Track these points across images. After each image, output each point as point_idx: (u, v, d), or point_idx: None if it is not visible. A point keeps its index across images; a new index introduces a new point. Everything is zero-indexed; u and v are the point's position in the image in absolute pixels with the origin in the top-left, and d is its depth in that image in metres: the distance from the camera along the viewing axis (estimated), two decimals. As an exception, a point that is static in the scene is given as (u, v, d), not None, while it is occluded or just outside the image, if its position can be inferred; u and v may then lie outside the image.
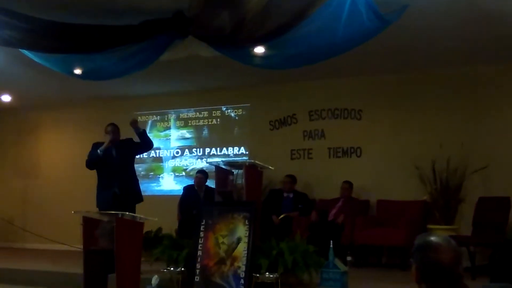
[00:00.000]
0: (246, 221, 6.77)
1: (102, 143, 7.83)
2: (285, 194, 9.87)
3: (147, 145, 8.19)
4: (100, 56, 7.13)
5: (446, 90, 9.44)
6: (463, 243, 7.38)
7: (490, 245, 7.70)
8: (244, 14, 5.84)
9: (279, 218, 9.35)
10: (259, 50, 6.79)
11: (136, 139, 8.12)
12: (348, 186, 9.56)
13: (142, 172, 11.67)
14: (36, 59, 7.52)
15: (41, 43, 6.83)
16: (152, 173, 11.97)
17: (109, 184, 7.79)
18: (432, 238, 2.58)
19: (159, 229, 8.80)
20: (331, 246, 6.50)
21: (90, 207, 7.62)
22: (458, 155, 8.95)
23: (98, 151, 7.81)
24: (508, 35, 7.63)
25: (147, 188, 11.59)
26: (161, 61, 7.33)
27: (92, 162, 7.90)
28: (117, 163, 7.86)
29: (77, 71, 7.82)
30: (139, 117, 12.02)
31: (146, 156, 11.71)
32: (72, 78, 8.27)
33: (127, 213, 6.26)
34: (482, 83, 9.19)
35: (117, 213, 6.10)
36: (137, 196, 7.95)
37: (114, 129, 7.97)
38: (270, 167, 7.76)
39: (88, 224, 6.35)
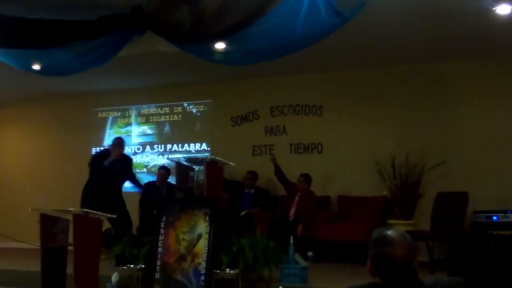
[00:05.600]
0: (207, 217, 6.76)
1: (105, 153, 8.51)
2: (246, 190, 9.87)
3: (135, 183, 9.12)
4: (57, 51, 7.02)
5: (405, 87, 9.54)
6: (422, 237, 7.51)
7: (448, 239, 7.82)
8: (203, 9, 5.82)
9: (241, 214, 9.32)
10: (219, 46, 6.76)
11: None
12: (303, 179, 9.35)
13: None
14: (-8, 54, 7.38)
15: (-4, 37, 6.72)
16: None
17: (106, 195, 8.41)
18: (388, 233, 2.59)
19: (120, 226, 8.74)
20: (291, 241, 6.53)
21: (48, 204, 7.53)
22: (417, 151, 9.06)
23: (105, 163, 8.54)
24: (465, 33, 7.74)
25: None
26: (120, 56, 7.25)
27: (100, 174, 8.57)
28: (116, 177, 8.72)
29: (35, 67, 7.70)
30: (100, 113, 11.93)
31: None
32: (30, 74, 8.13)
33: (86, 210, 6.22)
34: (440, 80, 9.30)
35: (75, 210, 6.06)
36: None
37: (120, 142, 8.87)
38: (231, 163, 7.75)
39: (46, 221, 6.27)
